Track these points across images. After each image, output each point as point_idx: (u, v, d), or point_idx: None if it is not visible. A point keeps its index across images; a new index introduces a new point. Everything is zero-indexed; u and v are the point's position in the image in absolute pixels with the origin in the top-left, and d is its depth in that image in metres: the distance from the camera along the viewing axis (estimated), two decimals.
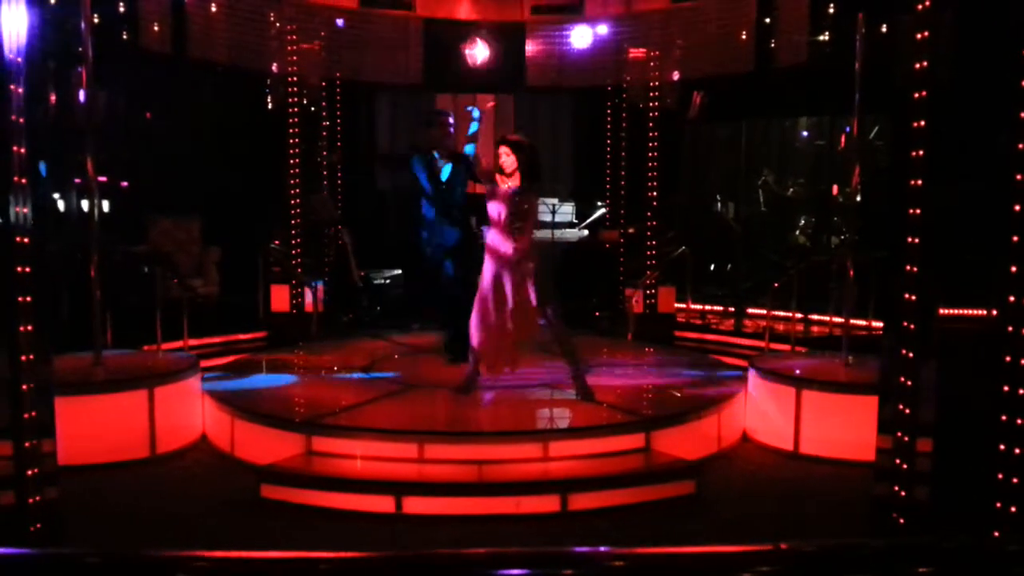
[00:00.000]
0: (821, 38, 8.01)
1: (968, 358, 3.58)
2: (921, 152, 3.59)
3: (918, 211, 3.60)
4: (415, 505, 4.64)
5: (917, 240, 3.60)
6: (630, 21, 9.02)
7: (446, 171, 6.39)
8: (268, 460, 5.02)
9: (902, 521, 3.65)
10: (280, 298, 8.59)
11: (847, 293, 6.32)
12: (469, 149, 6.28)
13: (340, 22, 8.90)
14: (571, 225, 11.29)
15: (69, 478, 4.19)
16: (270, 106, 8.78)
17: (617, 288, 9.42)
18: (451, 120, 6.56)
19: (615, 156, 9.76)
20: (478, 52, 9.21)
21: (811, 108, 10.86)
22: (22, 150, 3.52)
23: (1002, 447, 3.22)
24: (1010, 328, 3.22)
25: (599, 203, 10.77)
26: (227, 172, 9.34)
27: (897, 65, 3.81)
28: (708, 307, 9.64)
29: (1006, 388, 3.22)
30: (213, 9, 8.06)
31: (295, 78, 8.50)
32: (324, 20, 8.79)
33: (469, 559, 1.57)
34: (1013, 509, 3.20)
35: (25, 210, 3.53)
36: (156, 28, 7.75)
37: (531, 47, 9.31)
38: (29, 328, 3.53)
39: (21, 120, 3.52)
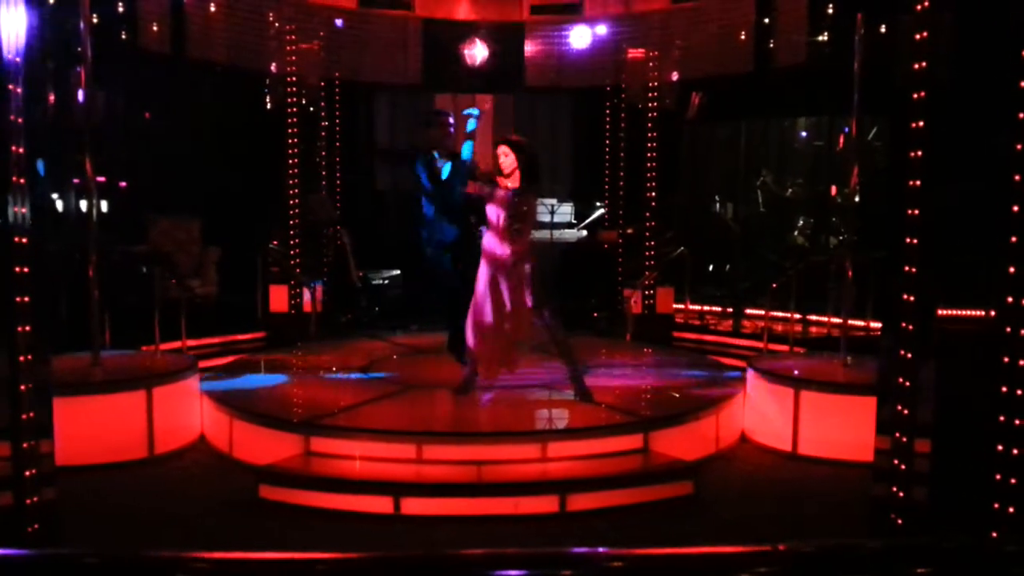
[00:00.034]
0: (820, 38, 8.01)
1: (966, 359, 3.58)
2: (920, 152, 3.59)
3: (917, 211, 3.60)
4: (413, 506, 4.64)
5: (916, 241, 3.60)
6: (629, 21, 9.03)
7: (446, 170, 6.40)
8: (266, 461, 5.01)
9: (900, 522, 3.65)
10: (279, 298, 8.59)
11: (845, 293, 6.33)
12: (467, 147, 6.28)
13: (339, 22, 8.90)
14: (570, 225, 11.30)
15: (67, 479, 4.18)
16: (269, 106, 8.78)
17: (616, 288, 9.42)
18: (451, 120, 6.57)
19: (614, 156, 9.76)
20: (477, 52, 9.21)
21: (810, 108, 10.86)
22: (21, 150, 3.51)
23: (1000, 448, 3.22)
24: (1008, 329, 3.22)
25: (598, 203, 10.78)
26: (226, 172, 9.33)
27: (896, 65, 3.81)
28: (707, 307, 9.64)
29: (1004, 389, 3.22)
30: (212, 9, 8.07)
31: (294, 78, 8.51)
32: (323, 20, 8.79)
33: (467, 560, 1.57)
34: (1011, 510, 3.20)
35: (24, 210, 3.52)
36: (155, 28, 7.75)
37: (530, 47, 9.32)
38: (27, 328, 3.52)
39: (20, 120, 3.51)
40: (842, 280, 6.35)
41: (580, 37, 9.12)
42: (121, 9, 7.61)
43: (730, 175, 11.83)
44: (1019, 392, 3.18)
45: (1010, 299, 3.21)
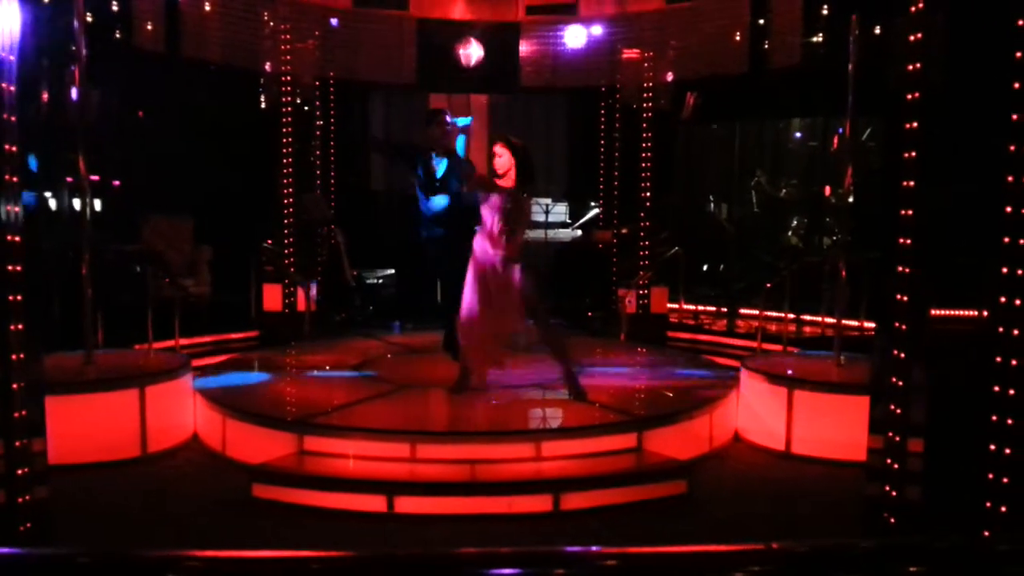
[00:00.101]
0: (815, 40, 8.02)
1: (959, 359, 3.59)
2: (913, 153, 3.60)
3: (910, 212, 3.61)
4: (407, 505, 4.64)
5: (909, 241, 3.61)
6: (624, 22, 9.03)
7: (441, 168, 6.43)
8: (260, 459, 5.00)
9: (893, 521, 3.66)
10: (272, 297, 8.57)
11: (839, 294, 6.34)
12: (459, 140, 6.33)
13: (334, 21, 8.89)
14: (564, 225, 11.31)
15: (59, 477, 4.16)
16: (263, 105, 8.76)
17: (610, 288, 9.43)
18: (448, 119, 6.60)
19: (609, 156, 9.77)
20: (472, 52, 9.20)
21: (804, 109, 10.89)
22: (13, 148, 3.50)
23: (993, 447, 3.23)
24: (1001, 329, 3.23)
25: (592, 203, 10.79)
26: (220, 171, 9.31)
27: (890, 67, 3.82)
28: (701, 307, 9.66)
29: (997, 388, 3.23)
30: (207, 8, 8.04)
31: (289, 77, 8.49)
32: (318, 19, 8.77)
33: (461, 559, 1.57)
34: (1003, 509, 3.21)
35: (16, 209, 3.51)
36: (149, 27, 7.72)
37: (525, 47, 9.31)
38: (20, 327, 3.51)
39: (13, 118, 3.50)
40: (836, 280, 6.36)
41: (575, 37, 9.12)
42: (115, 8, 7.58)
43: (725, 175, 11.86)
44: (1011, 392, 3.19)
45: (1003, 299, 3.23)
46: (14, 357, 3.50)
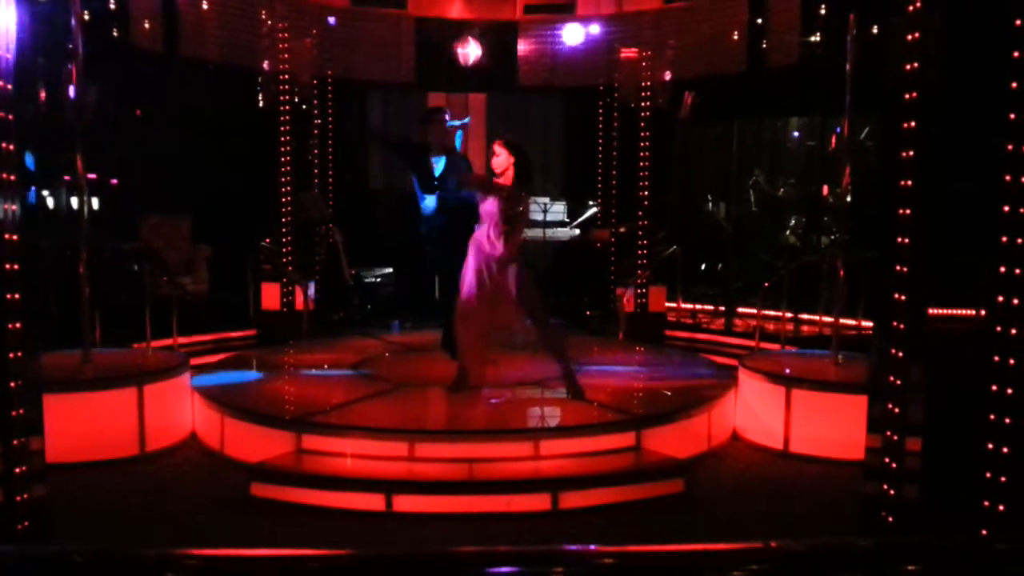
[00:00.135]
0: (812, 39, 8.03)
1: (957, 358, 3.60)
2: (911, 153, 3.60)
3: (908, 211, 3.61)
4: (405, 503, 4.64)
5: (907, 240, 3.61)
6: (622, 21, 9.03)
7: (439, 166, 6.43)
8: (258, 458, 5.00)
9: (891, 520, 3.66)
10: (270, 296, 8.57)
11: (837, 293, 6.35)
12: (456, 138, 6.35)
13: (332, 20, 8.88)
14: (562, 224, 11.30)
15: (57, 476, 4.15)
16: (261, 104, 8.76)
17: (608, 287, 9.43)
18: (447, 117, 6.61)
19: (606, 155, 9.77)
20: (470, 51, 9.20)
21: (802, 109, 10.90)
22: (11, 147, 3.50)
23: (991, 446, 3.23)
24: (999, 328, 3.23)
25: (590, 202, 10.78)
26: (218, 170, 9.31)
27: (888, 66, 3.82)
28: (699, 306, 9.67)
29: (995, 387, 3.23)
30: (204, 6, 8.04)
31: (287, 76, 8.48)
32: (316, 18, 8.77)
33: (459, 557, 1.57)
34: (1001, 508, 3.21)
35: (14, 207, 3.51)
36: (147, 25, 7.72)
37: (523, 46, 9.31)
38: (17, 325, 3.50)
39: (11, 116, 3.49)
40: (834, 279, 6.37)
41: (573, 36, 9.12)
42: (113, 6, 7.57)
43: (722, 175, 11.85)
44: (1009, 391, 3.19)
45: (1001, 298, 3.23)
46: (12, 356, 3.49)
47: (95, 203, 8.61)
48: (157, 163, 9.31)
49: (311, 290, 8.68)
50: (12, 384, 3.50)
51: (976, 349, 3.32)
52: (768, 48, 8.12)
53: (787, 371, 5.93)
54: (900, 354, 3.63)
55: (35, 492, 3.60)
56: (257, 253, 8.63)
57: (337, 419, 5.26)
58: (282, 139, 8.51)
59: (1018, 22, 3.15)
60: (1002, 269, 3.22)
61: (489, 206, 5.48)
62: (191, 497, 4.89)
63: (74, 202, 8.23)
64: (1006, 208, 3.21)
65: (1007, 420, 3.20)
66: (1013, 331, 3.19)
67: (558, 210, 11.30)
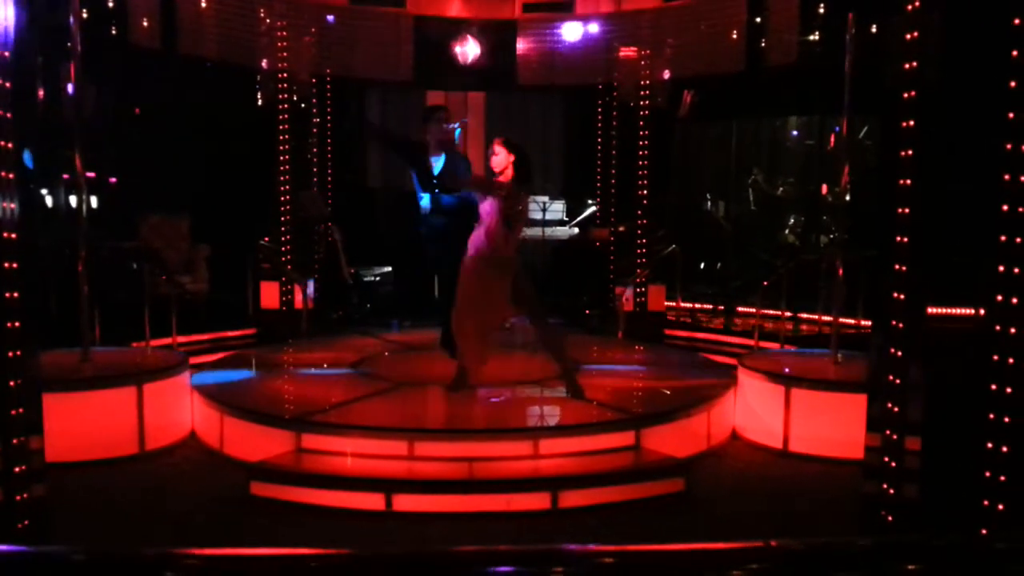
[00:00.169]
0: (811, 38, 8.03)
1: (956, 357, 3.60)
2: (910, 152, 3.60)
3: (907, 210, 3.61)
4: (405, 503, 4.64)
5: (906, 239, 3.61)
6: (621, 20, 9.03)
7: (438, 165, 6.43)
8: (258, 457, 5.00)
9: (891, 519, 3.66)
10: (270, 295, 8.57)
11: (836, 292, 6.35)
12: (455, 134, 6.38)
13: (330, 18, 8.88)
14: (561, 223, 11.30)
15: (57, 475, 4.15)
16: (260, 102, 8.75)
17: (607, 286, 9.43)
18: (447, 116, 6.62)
19: (606, 154, 9.76)
20: (469, 50, 9.20)
21: (801, 108, 10.90)
22: (9, 145, 3.49)
23: (990, 445, 3.23)
24: (998, 327, 3.23)
25: (589, 201, 10.78)
26: (217, 168, 9.30)
27: (886, 65, 3.81)
28: (698, 305, 9.67)
29: (994, 386, 3.23)
30: (203, 4, 8.03)
31: (285, 74, 8.48)
32: (314, 16, 8.77)
33: (459, 557, 1.57)
34: (1001, 507, 3.21)
35: (12, 205, 3.50)
36: (145, 23, 7.71)
37: (522, 45, 9.31)
38: (16, 324, 3.50)
39: (9, 115, 3.49)
40: (833, 278, 6.37)
41: (572, 35, 9.12)
42: (111, 4, 7.57)
43: (721, 174, 11.86)
44: (1008, 390, 3.20)
45: (1000, 297, 3.23)
46: (11, 354, 3.49)
47: (94, 202, 8.60)
48: (156, 162, 9.31)
49: (310, 289, 8.68)
50: (11, 383, 3.50)
51: (975, 348, 3.32)
52: (767, 47, 8.12)
53: (786, 370, 5.93)
54: (899, 353, 3.63)
55: (35, 491, 3.59)
56: (256, 252, 8.62)
57: (337, 418, 5.26)
58: (281, 138, 8.51)
59: (1017, 21, 3.16)
60: (1001, 268, 3.22)
61: (488, 205, 5.48)
62: (191, 496, 4.88)
63: (73, 201, 8.22)
64: (1005, 207, 3.21)
65: (1006, 419, 3.21)
66: (1012, 330, 3.20)
67: (557, 209, 11.31)
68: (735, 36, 8.24)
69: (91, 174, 7.04)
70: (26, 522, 3.54)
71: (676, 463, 5.11)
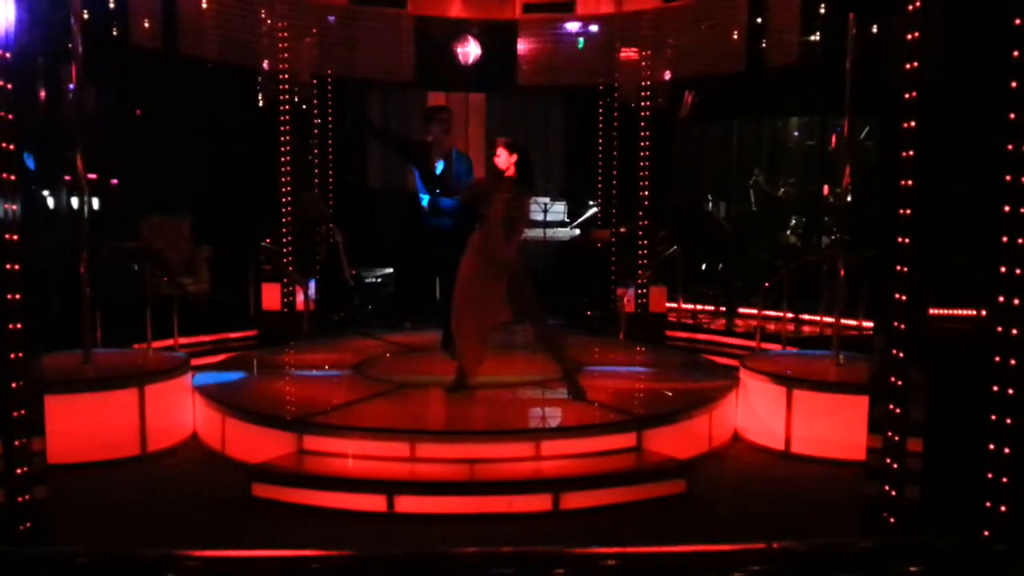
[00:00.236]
0: (812, 38, 8.03)
1: (958, 358, 3.60)
2: (911, 152, 3.60)
3: (908, 211, 3.61)
4: (407, 504, 4.64)
5: (907, 240, 3.61)
6: (622, 20, 9.03)
7: (440, 166, 6.44)
8: (259, 459, 5.00)
9: (893, 520, 3.66)
10: (271, 296, 8.57)
11: (838, 293, 6.34)
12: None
13: (331, 19, 8.89)
14: (563, 224, 11.30)
15: (59, 477, 4.15)
16: (261, 103, 8.76)
17: (609, 287, 9.42)
18: (448, 116, 6.62)
19: (607, 155, 9.76)
20: (470, 50, 9.20)
21: (802, 108, 10.89)
22: (11, 146, 3.49)
23: (992, 447, 3.23)
24: (1000, 328, 3.23)
25: (590, 202, 10.78)
26: (218, 169, 9.31)
27: (888, 66, 3.82)
28: (699, 306, 9.66)
29: (996, 388, 3.23)
30: (204, 5, 8.04)
31: (286, 75, 8.48)
32: (315, 17, 8.78)
33: (461, 558, 1.57)
34: (1003, 508, 3.21)
35: (14, 207, 3.51)
36: (146, 24, 7.71)
37: (523, 45, 9.31)
38: (18, 325, 3.50)
39: (10, 116, 3.49)
40: (834, 279, 6.36)
41: (573, 36, 9.12)
42: (112, 5, 7.57)
43: (722, 174, 11.86)
44: (1010, 391, 3.19)
45: (1001, 299, 3.23)
46: (13, 356, 3.50)
47: (95, 203, 8.61)
48: (157, 162, 9.31)
49: (311, 290, 8.68)
50: (13, 385, 3.50)
51: (977, 349, 3.32)
52: (768, 47, 8.12)
53: (788, 371, 5.93)
54: (901, 354, 3.63)
55: (36, 493, 3.60)
56: (258, 253, 8.62)
57: (338, 419, 5.26)
58: (282, 138, 8.51)
59: (1018, 21, 3.15)
60: (1003, 269, 3.22)
61: (490, 206, 5.47)
62: (192, 498, 4.88)
63: (74, 202, 8.24)
64: (1006, 208, 3.21)
65: (1008, 420, 3.20)
66: (1014, 331, 3.19)
67: (558, 210, 11.31)
68: (736, 36, 8.23)
69: (93, 175, 7.03)
70: (28, 523, 3.54)
71: (678, 464, 5.10)
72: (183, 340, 7.24)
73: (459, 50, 9.19)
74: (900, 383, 3.62)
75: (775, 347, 7.42)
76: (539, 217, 10.25)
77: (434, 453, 4.94)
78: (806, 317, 8.49)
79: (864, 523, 3.91)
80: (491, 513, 4.61)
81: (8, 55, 3.49)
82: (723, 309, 9.40)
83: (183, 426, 5.84)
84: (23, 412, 3.55)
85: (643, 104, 8.79)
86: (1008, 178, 3.19)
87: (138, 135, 9.54)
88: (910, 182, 3.60)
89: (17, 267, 3.50)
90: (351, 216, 9.97)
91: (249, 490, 4.79)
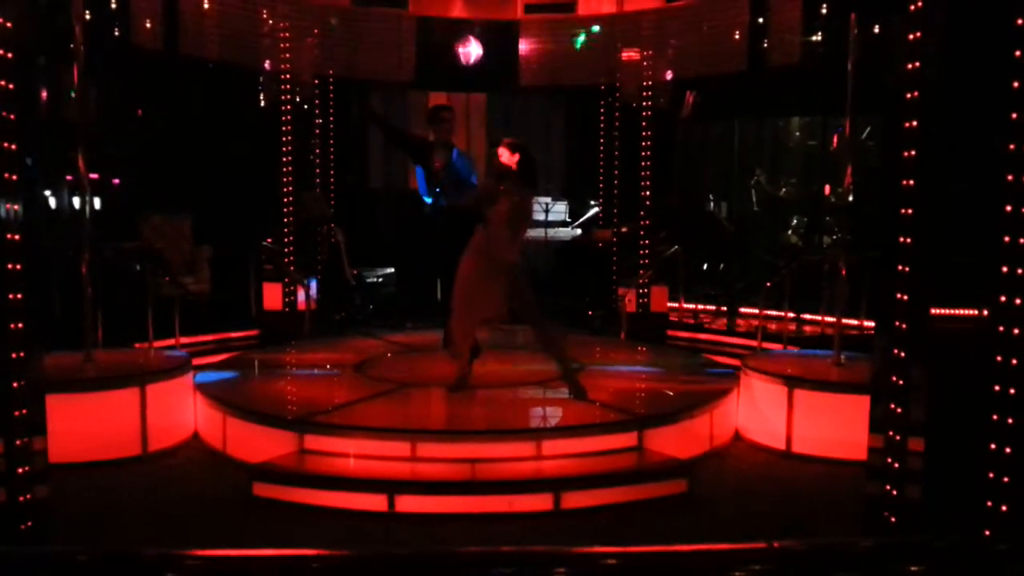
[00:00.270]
0: (814, 38, 8.03)
1: (960, 358, 3.59)
2: (913, 152, 3.60)
3: (910, 211, 3.61)
4: (408, 504, 4.64)
5: (909, 240, 3.61)
6: (623, 20, 9.03)
7: (443, 164, 6.46)
8: (260, 458, 5.00)
9: (894, 520, 3.66)
10: (272, 296, 8.57)
11: (839, 292, 6.34)
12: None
13: (333, 19, 8.89)
14: (564, 224, 11.31)
15: (60, 476, 4.16)
16: (263, 103, 8.76)
17: (610, 287, 9.43)
18: (451, 116, 6.64)
19: (608, 155, 9.77)
20: (471, 50, 9.21)
21: (803, 108, 10.89)
22: (13, 146, 3.50)
23: (993, 446, 3.23)
24: (1001, 328, 3.23)
25: (592, 202, 10.79)
26: (219, 169, 9.31)
27: (889, 66, 3.82)
28: (700, 306, 9.66)
29: (997, 387, 3.23)
30: (205, 6, 8.05)
31: (288, 75, 8.48)
32: (317, 17, 8.78)
33: (462, 558, 1.57)
34: (1004, 508, 3.21)
35: (16, 207, 3.51)
36: (148, 25, 7.73)
37: (524, 46, 9.32)
38: (20, 325, 3.51)
39: (12, 116, 3.50)
40: (836, 279, 6.36)
41: (574, 36, 9.12)
42: (114, 6, 7.58)
43: (724, 174, 11.86)
44: (1012, 391, 3.19)
45: (1003, 298, 3.23)
46: (14, 356, 3.50)
47: (97, 203, 8.61)
48: (159, 162, 9.32)
49: (313, 290, 8.69)
50: (14, 384, 3.51)
51: (978, 349, 3.32)
52: (769, 47, 8.12)
53: (789, 371, 5.92)
54: (902, 354, 3.63)
55: (38, 492, 3.60)
56: (259, 253, 8.63)
57: (339, 419, 5.26)
58: (283, 139, 8.51)
59: (1019, 21, 3.15)
60: (1004, 269, 3.22)
61: (494, 207, 5.47)
62: (193, 497, 4.89)
63: (76, 202, 8.24)
64: (1008, 208, 3.20)
65: (1009, 420, 3.20)
66: (1015, 331, 3.19)
67: (560, 210, 11.32)
68: (737, 36, 8.24)
69: (94, 175, 7.04)
70: (29, 523, 3.54)
71: (679, 464, 5.10)
72: (184, 340, 7.24)
73: (460, 50, 9.20)
74: (901, 383, 3.62)
75: (776, 347, 7.42)
76: (540, 217, 10.25)
77: (435, 453, 4.94)
78: (807, 317, 8.49)
79: (865, 522, 3.91)
80: (492, 513, 4.61)
81: (10, 55, 3.50)
82: (724, 309, 9.40)
83: (184, 426, 5.85)
84: (24, 411, 3.55)
85: (644, 104, 8.79)
86: (1009, 178, 3.19)
87: (140, 135, 9.55)
88: (911, 182, 3.59)
89: (19, 267, 3.50)
90: (352, 216, 9.98)
91: (250, 490, 4.79)
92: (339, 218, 9.56)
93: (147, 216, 8.98)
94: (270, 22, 8.40)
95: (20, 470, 3.54)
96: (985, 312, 3.35)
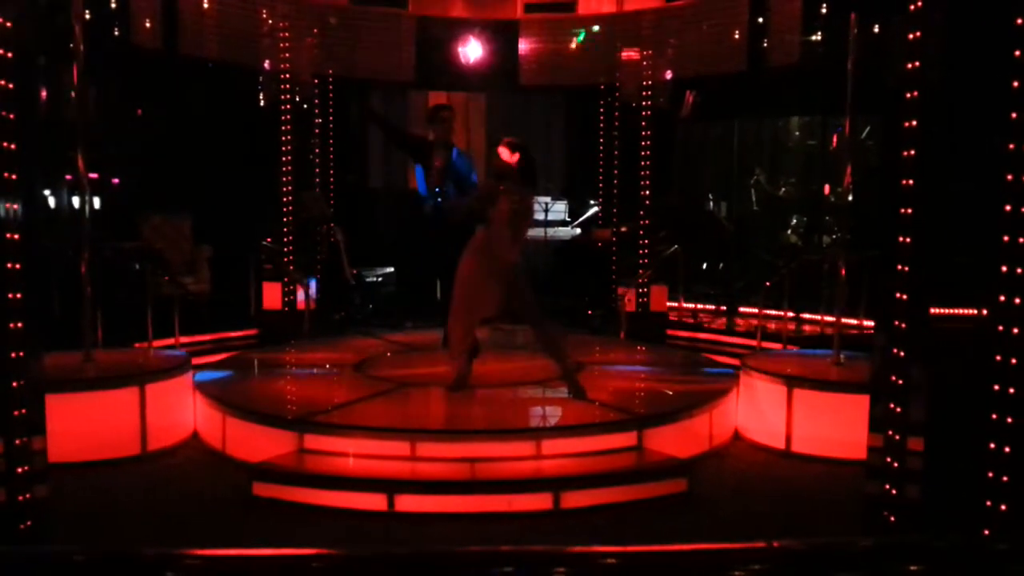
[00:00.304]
0: (813, 38, 8.04)
1: (959, 357, 3.60)
2: (913, 152, 3.60)
3: (910, 211, 3.61)
4: (407, 503, 4.64)
5: (908, 239, 3.61)
6: (623, 20, 9.04)
7: (443, 162, 6.47)
8: (260, 458, 5.00)
9: (893, 519, 3.66)
10: (272, 296, 8.57)
11: (839, 292, 6.34)
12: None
13: (333, 19, 8.89)
14: (564, 224, 11.31)
15: (59, 476, 4.16)
16: (262, 103, 8.76)
17: (609, 287, 9.43)
18: (451, 115, 6.64)
19: (608, 155, 9.77)
20: (471, 50, 9.20)
21: (803, 108, 10.90)
22: (13, 146, 3.50)
23: (993, 446, 3.23)
24: (1001, 327, 3.23)
25: (592, 201, 10.79)
26: (219, 169, 9.31)
27: (889, 65, 3.82)
28: (700, 306, 9.66)
29: (997, 387, 3.23)
30: (205, 6, 8.05)
31: (287, 75, 8.48)
32: (317, 16, 8.78)
33: (461, 557, 1.57)
34: (1003, 507, 3.21)
35: (16, 206, 3.51)
36: (147, 24, 7.73)
37: (524, 45, 9.32)
38: (19, 325, 3.51)
39: (12, 115, 3.50)
40: (835, 278, 6.36)
41: (574, 35, 9.13)
42: (113, 5, 7.58)
43: (723, 174, 11.87)
44: (1011, 390, 3.19)
45: (1002, 298, 3.23)
46: (13, 355, 3.50)
47: (96, 202, 8.61)
48: (158, 162, 9.31)
49: (312, 289, 8.68)
50: (14, 384, 3.51)
51: (978, 348, 3.32)
52: (769, 47, 8.12)
53: (789, 371, 5.92)
54: (902, 353, 3.63)
55: (37, 492, 3.60)
56: (258, 253, 8.63)
57: (339, 419, 5.26)
58: (283, 138, 8.51)
59: (1019, 21, 3.15)
60: (1003, 268, 3.22)
61: (495, 207, 5.47)
62: (193, 497, 4.89)
63: (76, 201, 8.24)
64: (1007, 207, 3.21)
65: (1009, 420, 3.20)
66: (1015, 330, 3.19)
67: (559, 209, 11.33)
68: (737, 36, 8.24)
69: (94, 175, 7.04)
70: (28, 522, 3.54)
71: (678, 463, 5.10)
72: (184, 339, 7.24)
73: (460, 50, 9.19)
74: (901, 382, 3.62)
75: (776, 346, 7.42)
76: (540, 216, 10.25)
77: (435, 452, 4.94)
78: (807, 316, 8.49)
79: (865, 522, 3.91)
80: (491, 512, 4.61)
81: (10, 55, 3.50)
82: (724, 308, 9.40)
83: (184, 425, 5.85)
84: (24, 411, 3.55)
85: (644, 104, 8.79)
86: (1009, 177, 3.19)
87: (139, 135, 9.55)
88: (911, 181, 3.60)
89: (18, 266, 3.50)
90: (352, 215, 9.98)
91: (250, 489, 4.79)
92: (339, 218, 9.55)
93: (147, 216, 8.98)
94: (270, 22, 8.40)
95: (19, 470, 3.54)
96: (985, 312, 3.35)
